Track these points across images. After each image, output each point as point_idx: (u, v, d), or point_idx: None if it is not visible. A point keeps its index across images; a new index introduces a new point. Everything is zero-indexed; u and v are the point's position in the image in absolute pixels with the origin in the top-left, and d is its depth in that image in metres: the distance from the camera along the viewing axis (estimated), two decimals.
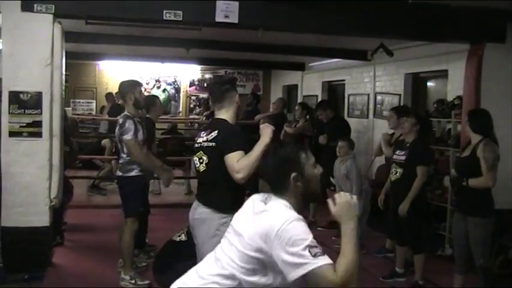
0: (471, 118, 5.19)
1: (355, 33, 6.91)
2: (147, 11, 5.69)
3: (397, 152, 6.04)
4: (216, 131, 3.92)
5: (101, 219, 8.12)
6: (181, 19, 5.65)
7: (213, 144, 3.90)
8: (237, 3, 5.66)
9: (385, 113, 9.71)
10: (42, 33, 5.53)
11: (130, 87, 5.78)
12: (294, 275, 2.31)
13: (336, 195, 2.54)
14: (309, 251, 2.29)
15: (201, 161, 4.02)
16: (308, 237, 2.33)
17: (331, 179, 7.61)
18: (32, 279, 5.50)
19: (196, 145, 4.10)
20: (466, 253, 5.14)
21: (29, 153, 5.55)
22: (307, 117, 9.38)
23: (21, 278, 5.46)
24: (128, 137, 5.49)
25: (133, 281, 5.55)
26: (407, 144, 5.94)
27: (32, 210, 5.59)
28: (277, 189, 2.56)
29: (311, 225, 8.36)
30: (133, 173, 5.61)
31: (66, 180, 6.73)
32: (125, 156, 5.62)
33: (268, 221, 2.40)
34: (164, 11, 5.60)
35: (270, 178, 2.61)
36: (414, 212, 5.72)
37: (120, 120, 5.58)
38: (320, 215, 8.62)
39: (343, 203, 2.51)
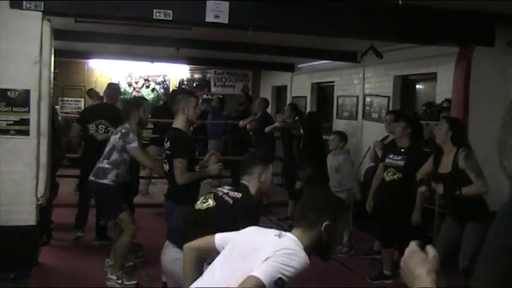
0: (455, 128, 5.06)
1: (345, 35, 6.93)
2: (137, 10, 5.68)
3: (391, 156, 6.01)
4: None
5: (88, 218, 8.06)
6: (171, 18, 5.64)
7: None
8: (227, 3, 5.66)
9: (374, 115, 9.77)
10: (31, 30, 5.50)
11: (135, 106, 5.80)
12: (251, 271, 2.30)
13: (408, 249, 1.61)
14: (276, 282, 2.27)
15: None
16: (287, 277, 2.31)
17: None
18: (18, 278, 5.46)
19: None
20: (450, 255, 5.16)
21: (16, 151, 5.52)
22: (296, 118, 9.39)
23: (7, 277, 5.42)
24: (134, 144, 5.52)
25: (120, 281, 5.52)
26: (402, 150, 5.93)
27: (19, 208, 5.55)
28: (304, 225, 2.59)
29: None
30: (105, 181, 5.54)
31: (53, 179, 6.69)
32: (105, 162, 5.57)
33: (276, 244, 2.42)
34: (154, 10, 5.58)
35: (304, 213, 2.64)
36: (407, 214, 5.74)
37: (123, 130, 5.56)
38: None
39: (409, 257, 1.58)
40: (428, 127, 8.17)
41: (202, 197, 3.64)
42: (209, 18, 5.67)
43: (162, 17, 5.62)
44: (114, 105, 7.15)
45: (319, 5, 5.95)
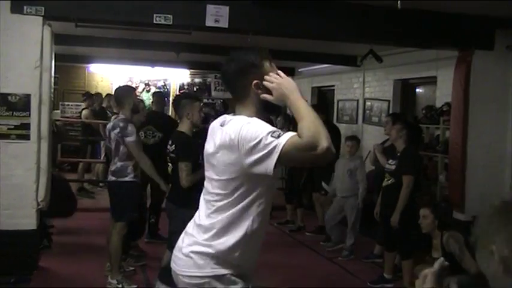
0: (439, 217, 5.06)
1: (345, 39, 6.94)
2: (137, 14, 5.68)
3: (389, 162, 6.04)
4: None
5: (89, 223, 8.07)
6: (171, 23, 5.65)
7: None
8: (227, 8, 5.67)
9: (374, 118, 9.77)
10: (32, 35, 5.51)
11: (128, 92, 5.86)
12: (271, 163, 2.21)
13: (276, 75, 2.48)
14: (272, 136, 2.21)
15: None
16: (265, 128, 2.26)
17: (323, 184, 7.69)
18: (18, 283, 5.46)
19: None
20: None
21: (16, 155, 5.52)
22: None
23: (7, 281, 5.42)
24: (131, 138, 5.48)
25: (120, 285, 5.52)
26: (398, 154, 5.94)
27: (19, 213, 5.55)
28: (238, 96, 2.50)
29: (300, 231, 8.41)
30: (127, 178, 5.56)
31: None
32: (117, 160, 5.59)
33: (229, 131, 2.34)
34: (154, 15, 5.59)
35: (230, 83, 2.54)
36: (404, 218, 5.74)
37: (121, 124, 5.52)
38: (308, 220, 8.64)
39: (282, 81, 2.45)
40: (428, 131, 8.18)
41: None
42: (209, 22, 5.68)
43: (162, 22, 5.63)
44: (161, 112, 7.88)
45: (319, 10, 5.95)
